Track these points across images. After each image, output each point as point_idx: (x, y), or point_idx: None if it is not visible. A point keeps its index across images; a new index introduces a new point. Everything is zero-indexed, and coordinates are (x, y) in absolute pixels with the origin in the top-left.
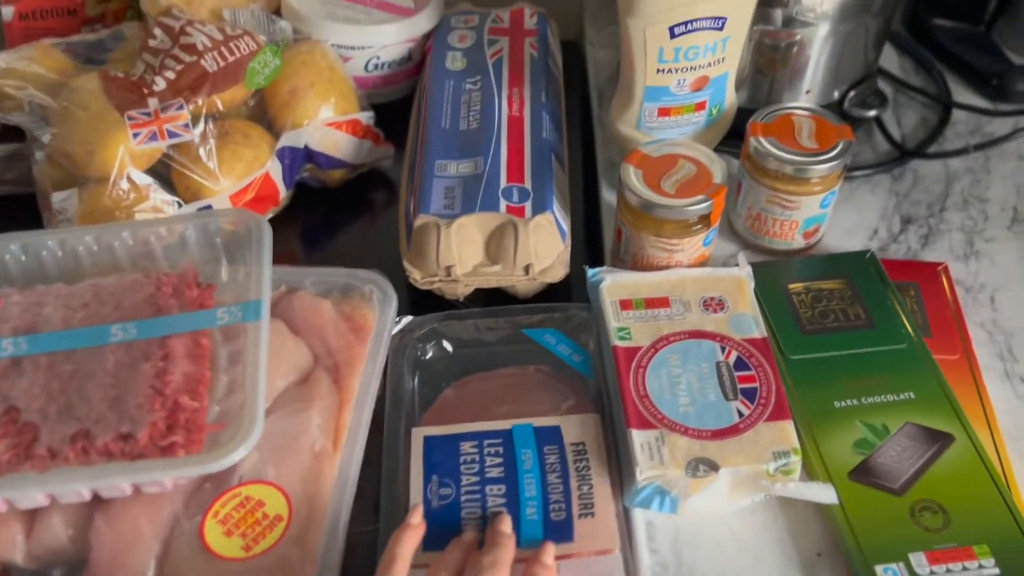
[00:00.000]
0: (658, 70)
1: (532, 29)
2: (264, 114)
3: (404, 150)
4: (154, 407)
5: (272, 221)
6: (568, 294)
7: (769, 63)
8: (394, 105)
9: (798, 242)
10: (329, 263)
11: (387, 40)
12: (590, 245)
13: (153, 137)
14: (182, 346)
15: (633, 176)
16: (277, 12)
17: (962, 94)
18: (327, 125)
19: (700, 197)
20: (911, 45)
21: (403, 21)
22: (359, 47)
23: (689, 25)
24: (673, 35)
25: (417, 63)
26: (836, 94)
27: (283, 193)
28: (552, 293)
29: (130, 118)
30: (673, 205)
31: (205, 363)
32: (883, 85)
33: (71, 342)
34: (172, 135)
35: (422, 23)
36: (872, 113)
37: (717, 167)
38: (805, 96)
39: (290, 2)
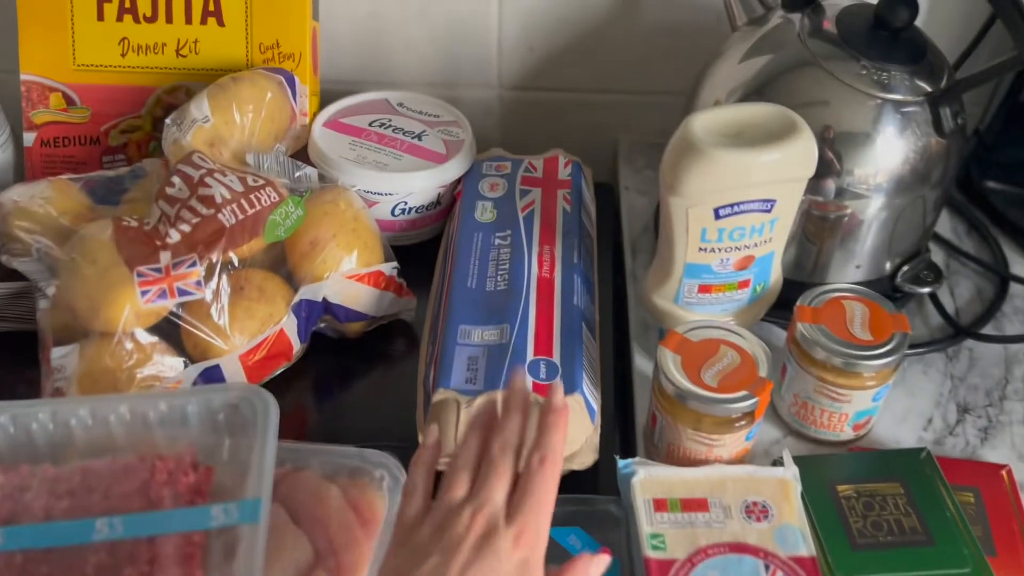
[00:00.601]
0: (700, 248)
1: (566, 179)
2: (282, 263)
3: (428, 299)
4: None
5: (283, 374)
6: (595, 479)
7: (818, 233)
8: (419, 248)
9: (847, 434)
10: (341, 418)
11: (416, 187)
12: (621, 416)
13: (162, 295)
14: (172, 545)
15: (671, 363)
16: (303, 152)
17: (1019, 263)
18: (348, 277)
19: (744, 393)
20: (964, 207)
21: (434, 169)
22: (387, 193)
23: (736, 207)
24: (718, 216)
25: (446, 207)
26: (888, 266)
27: (297, 348)
28: (580, 478)
29: (139, 275)
30: (714, 399)
31: (195, 562)
32: (934, 249)
33: (51, 538)
34: (182, 293)
35: (453, 170)
36: (926, 290)
37: (763, 358)
38: (855, 270)
39: (317, 143)
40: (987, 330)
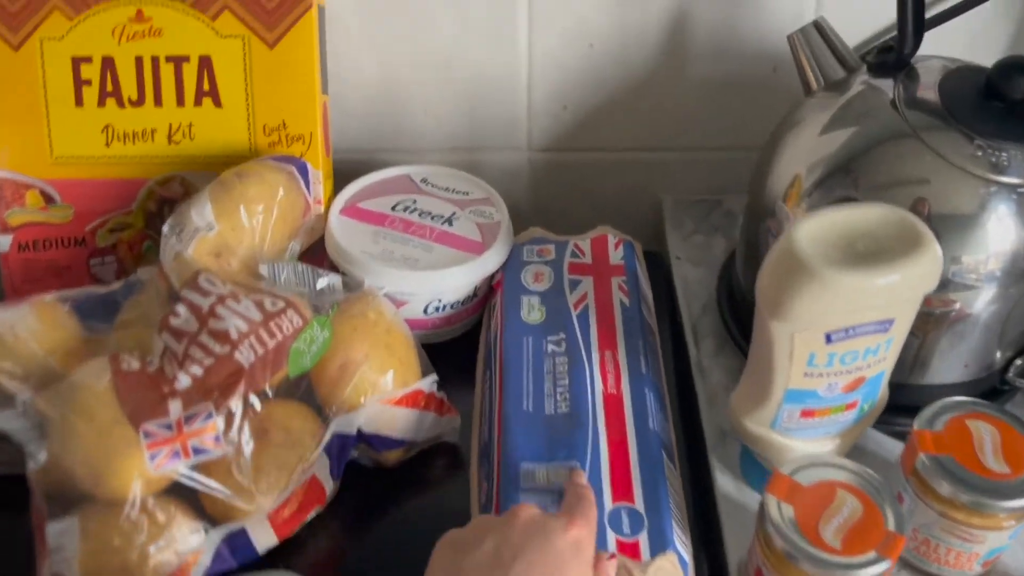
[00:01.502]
0: (806, 374)
1: (619, 264)
2: (309, 391)
3: (471, 410)
4: None
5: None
6: None
7: (920, 327)
8: (454, 342)
9: (975, 571)
10: (382, 560)
11: (452, 284)
12: (706, 550)
13: (175, 456)
14: None
15: (782, 515)
16: (319, 245)
17: None
18: (384, 402)
19: (872, 555)
20: None
21: (470, 262)
22: (419, 292)
23: (851, 331)
24: (830, 341)
25: (482, 297)
26: (998, 359)
27: (329, 489)
28: None
29: (146, 434)
30: (838, 564)
31: None
32: None
33: None
34: (198, 452)
35: (492, 261)
36: None
37: (888, 505)
38: (962, 368)
39: (336, 238)
40: None
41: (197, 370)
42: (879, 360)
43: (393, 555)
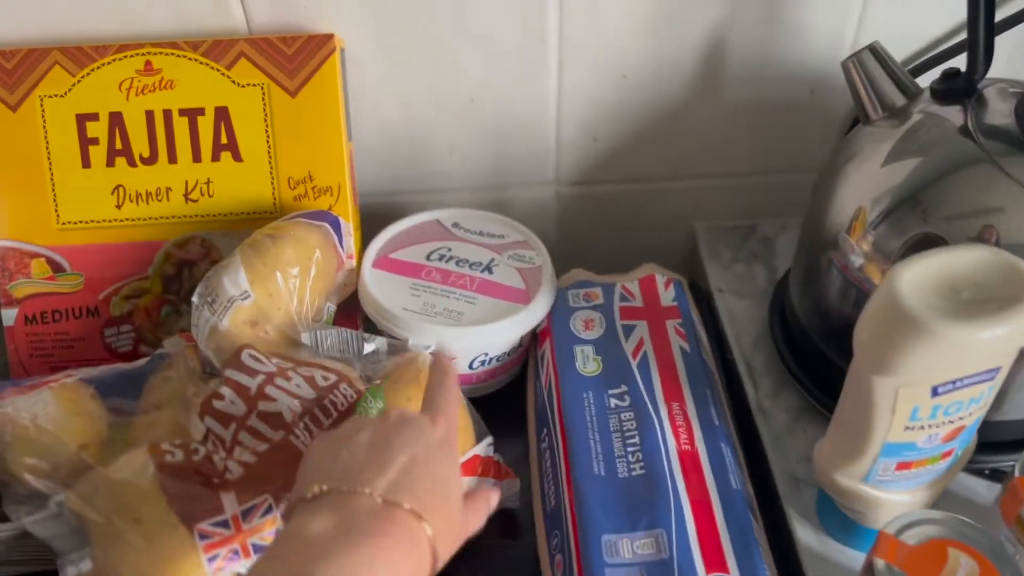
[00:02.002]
0: (907, 428)
1: (672, 306)
2: None
3: (527, 474)
4: None
5: None
6: None
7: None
8: (497, 394)
9: None
10: None
11: (498, 337)
12: None
13: (234, 555)
14: None
15: None
16: (353, 299)
17: None
18: None
19: None
20: None
21: (518, 314)
22: (464, 348)
23: (958, 383)
24: (936, 394)
25: (526, 346)
26: None
27: None
28: None
29: (202, 536)
30: None
31: None
32: None
33: None
34: (258, 549)
35: (540, 310)
36: None
37: (1005, 563)
38: None
39: (372, 294)
40: None
41: (250, 458)
42: (981, 408)
43: None
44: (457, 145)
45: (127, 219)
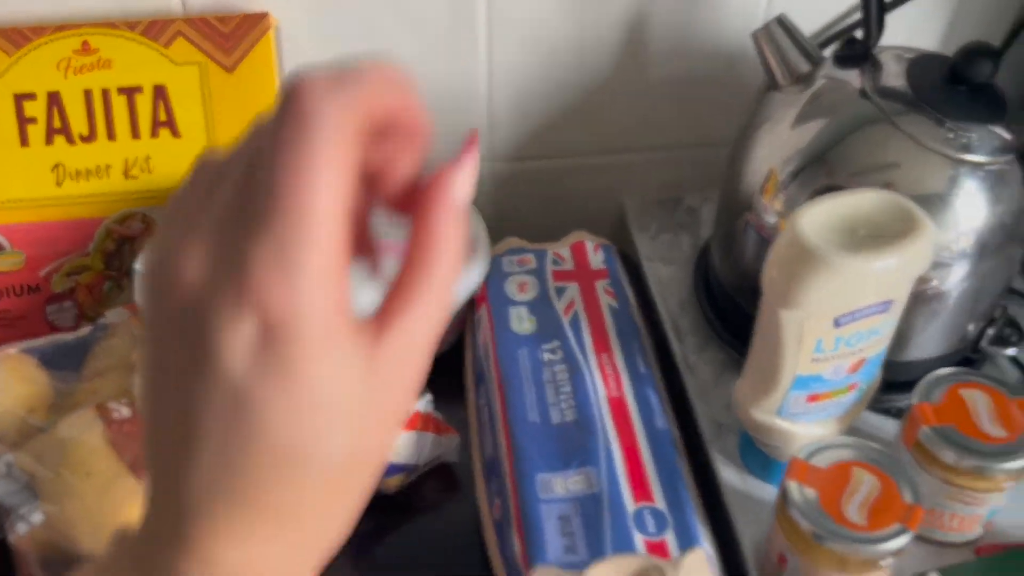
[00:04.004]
0: (813, 360)
1: (601, 269)
2: None
3: (467, 430)
4: None
5: None
6: None
7: None
8: (439, 362)
9: (976, 533)
10: None
11: None
12: (716, 542)
13: None
14: None
15: (805, 499)
16: None
17: None
18: None
19: (897, 527)
20: None
21: None
22: None
23: (856, 314)
24: (838, 325)
25: (464, 311)
26: (971, 330)
27: None
28: None
29: None
30: (864, 539)
31: None
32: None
33: None
34: None
35: (473, 276)
36: (1012, 351)
37: (903, 478)
38: (939, 341)
39: None
40: None
41: None
42: (880, 340)
43: None
44: None
45: (67, 197)
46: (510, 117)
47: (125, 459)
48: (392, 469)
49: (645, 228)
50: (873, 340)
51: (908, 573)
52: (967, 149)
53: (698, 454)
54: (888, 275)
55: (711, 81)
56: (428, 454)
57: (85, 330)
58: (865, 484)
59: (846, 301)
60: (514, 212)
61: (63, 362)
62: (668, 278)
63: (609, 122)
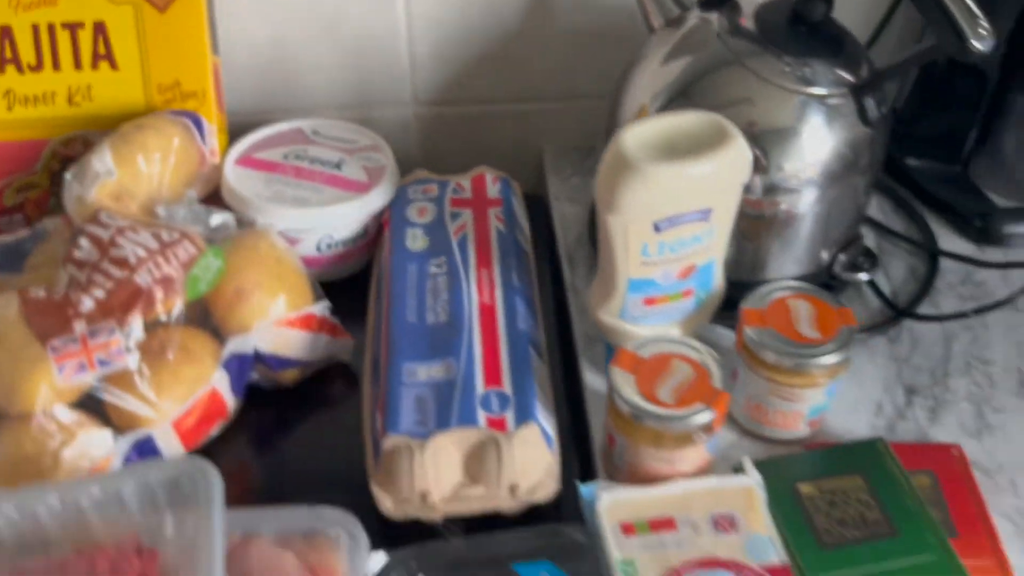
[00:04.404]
0: (642, 263)
1: (496, 198)
2: (207, 317)
3: (364, 336)
4: None
5: (219, 432)
6: (558, 506)
7: (753, 231)
8: (350, 281)
9: (803, 431)
10: (287, 473)
11: (340, 220)
12: (576, 437)
13: (81, 368)
14: None
15: (624, 383)
16: (216, 194)
17: (946, 237)
18: (277, 324)
19: (700, 406)
20: (888, 185)
21: (356, 200)
22: (310, 229)
23: (675, 220)
24: (658, 230)
25: (373, 236)
26: (825, 256)
27: (232, 405)
28: (542, 506)
29: (53, 349)
30: (671, 416)
31: None
32: (865, 231)
33: None
34: (103, 364)
35: (377, 199)
36: (863, 276)
37: (715, 368)
38: (793, 264)
39: (230, 184)
40: (924, 308)
41: (100, 293)
42: (705, 248)
43: (297, 467)
44: (322, 66)
45: (17, 120)
46: (430, 62)
47: (35, 331)
48: (287, 363)
49: (559, 172)
50: (697, 248)
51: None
52: (807, 82)
53: (574, 362)
54: (699, 182)
55: (614, 34)
56: (322, 353)
57: (24, 233)
58: (680, 372)
59: (662, 207)
60: (441, 160)
61: (5, 263)
62: (571, 216)
63: (525, 71)
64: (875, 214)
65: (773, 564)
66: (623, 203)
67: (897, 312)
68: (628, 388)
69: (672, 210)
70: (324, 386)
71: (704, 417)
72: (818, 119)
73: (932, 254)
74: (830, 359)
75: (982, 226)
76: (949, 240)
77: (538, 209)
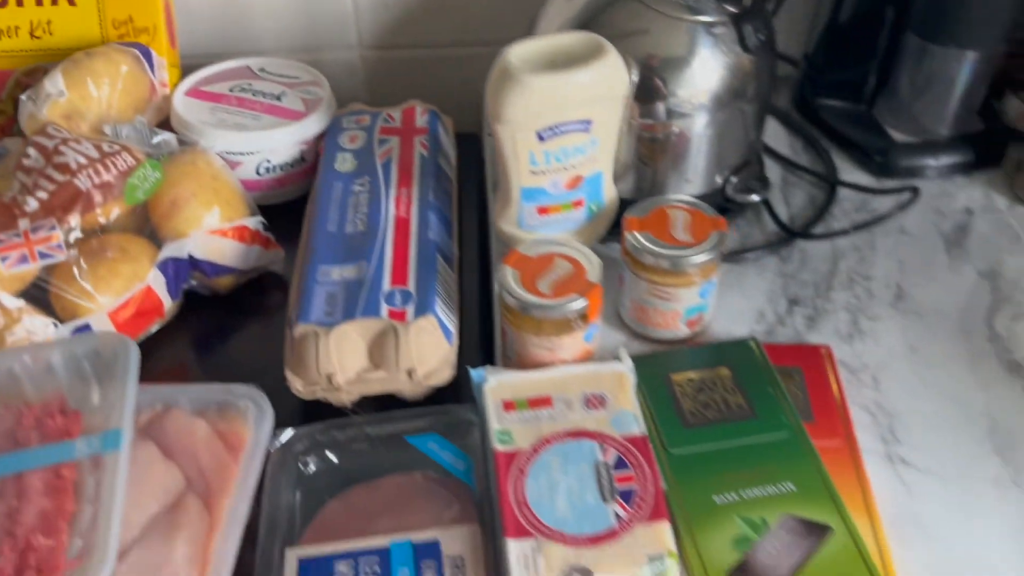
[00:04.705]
0: (531, 172)
1: (423, 127)
2: (146, 225)
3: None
4: (3, 551)
5: (160, 333)
6: (458, 394)
7: (651, 154)
8: (289, 205)
9: (683, 331)
10: (221, 372)
11: (276, 144)
12: (486, 343)
13: (23, 260)
14: (40, 481)
15: (510, 277)
16: (166, 124)
17: (849, 171)
18: (211, 233)
19: (574, 296)
20: (800, 125)
21: (292, 125)
22: (249, 152)
23: (556, 129)
24: (541, 139)
25: (311, 163)
26: (719, 180)
27: (168, 304)
28: (442, 393)
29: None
30: (549, 305)
31: (67, 496)
32: (772, 165)
33: None
34: (44, 256)
35: (311, 126)
36: (755, 198)
37: (592, 265)
38: (688, 186)
39: (178, 111)
40: (816, 231)
41: (43, 195)
42: (590, 160)
43: (228, 362)
44: (272, 11)
45: None
46: (373, 8)
47: None
48: (221, 270)
49: None
50: (581, 158)
51: None
52: (692, 11)
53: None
54: (576, 92)
55: None
56: (254, 262)
57: None
58: (560, 269)
59: (543, 116)
60: (384, 97)
61: None
62: None
63: (463, 17)
64: (785, 151)
65: (634, 434)
66: (507, 113)
67: (789, 233)
68: (513, 283)
69: (553, 119)
70: (258, 295)
71: (578, 305)
72: (706, 48)
73: (831, 184)
74: (700, 259)
75: (882, 160)
76: (852, 174)
77: (473, 147)
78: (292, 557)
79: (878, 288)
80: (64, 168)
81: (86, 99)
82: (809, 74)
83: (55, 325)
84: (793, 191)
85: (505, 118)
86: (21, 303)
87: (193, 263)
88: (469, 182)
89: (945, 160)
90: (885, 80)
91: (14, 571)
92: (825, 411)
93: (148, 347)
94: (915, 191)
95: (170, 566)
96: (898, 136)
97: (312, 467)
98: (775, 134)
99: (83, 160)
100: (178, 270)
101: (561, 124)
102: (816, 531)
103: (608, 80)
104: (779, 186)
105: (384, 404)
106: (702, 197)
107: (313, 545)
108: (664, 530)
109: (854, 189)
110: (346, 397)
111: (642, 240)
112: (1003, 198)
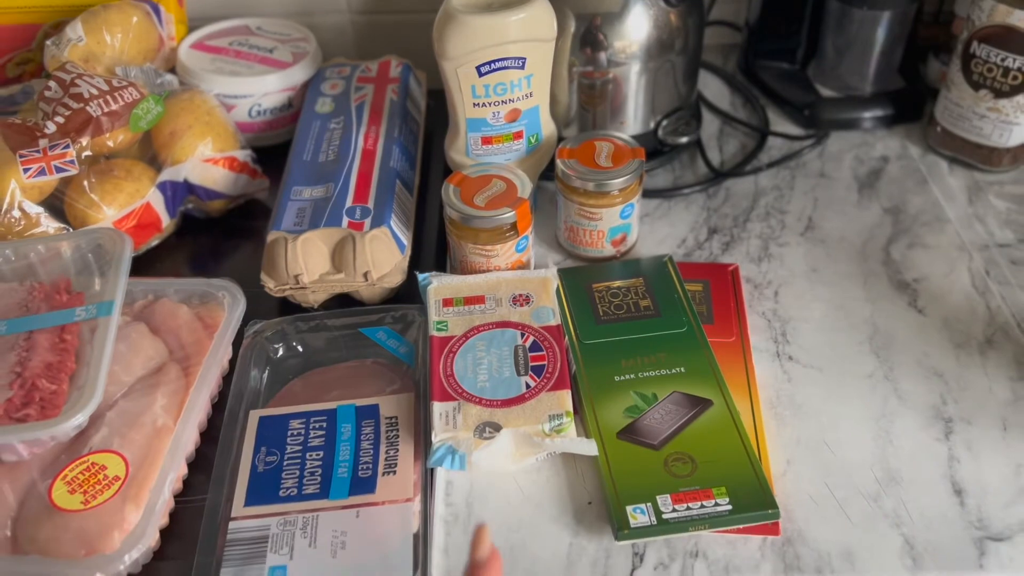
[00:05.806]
0: (474, 104)
1: (396, 77)
2: (148, 153)
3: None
4: (12, 387)
5: (159, 247)
6: (410, 299)
7: (590, 100)
8: (276, 147)
9: (608, 250)
10: (206, 275)
11: (267, 89)
12: (439, 258)
13: (42, 172)
14: (46, 340)
15: (452, 193)
16: (172, 69)
17: (781, 124)
18: (205, 161)
19: (505, 208)
20: (742, 85)
21: (280, 73)
22: (242, 96)
23: (493, 64)
24: (481, 74)
25: (297, 110)
26: (652, 124)
27: (166, 221)
28: (397, 298)
29: (21, 156)
30: (483, 216)
31: (69, 356)
32: (712, 119)
33: None
34: (59, 170)
35: (298, 74)
36: (683, 139)
37: (523, 184)
38: (621, 127)
39: (182, 60)
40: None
41: (60, 119)
42: (526, 95)
43: (215, 271)
44: None
45: (15, 7)
46: None
47: (9, 144)
48: (214, 195)
49: None
50: (519, 93)
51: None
52: None
53: None
54: (509, 31)
55: None
56: (243, 189)
57: (16, 87)
58: (495, 186)
59: (481, 52)
60: (372, 57)
61: (2, 110)
62: None
63: None
64: (726, 108)
65: (551, 325)
66: (449, 49)
67: (715, 172)
68: (454, 198)
69: (490, 55)
70: (246, 219)
71: (508, 216)
72: (639, 5)
73: (762, 133)
74: (620, 181)
75: (809, 114)
76: (784, 126)
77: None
78: (254, 416)
79: (791, 221)
80: (78, 97)
81: (101, 44)
82: (750, 40)
83: (67, 231)
84: (728, 140)
85: (448, 54)
86: (40, 209)
87: (189, 187)
88: (440, 131)
89: (867, 114)
90: (815, 43)
91: (20, 403)
92: (724, 316)
93: (149, 258)
94: (824, 136)
95: (151, 412)
96: (826, 93)
97: (280, 352)
98: (719, 93)
99: (95, 91)
100: (175, 191)
101: (498, 60)
102: (698, 404)
103: (537, 21)
104: (716, 136)
105: (348, 306)
106: (637, 138)
107: (273, 408)
108: (565, 396)
109: (778, 136)
110: (312, 297)
111: (571, 166)
112: (917, 148)
